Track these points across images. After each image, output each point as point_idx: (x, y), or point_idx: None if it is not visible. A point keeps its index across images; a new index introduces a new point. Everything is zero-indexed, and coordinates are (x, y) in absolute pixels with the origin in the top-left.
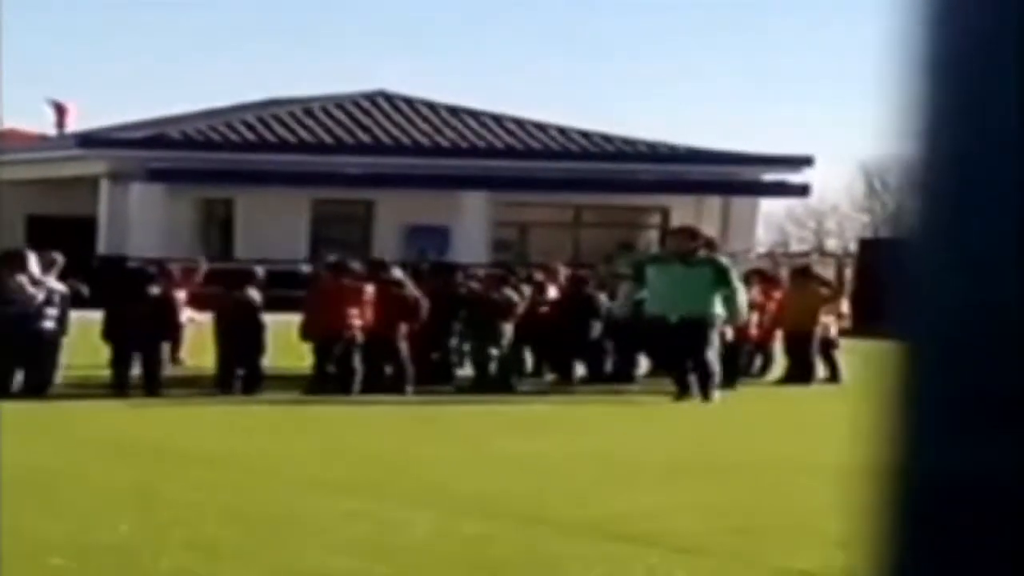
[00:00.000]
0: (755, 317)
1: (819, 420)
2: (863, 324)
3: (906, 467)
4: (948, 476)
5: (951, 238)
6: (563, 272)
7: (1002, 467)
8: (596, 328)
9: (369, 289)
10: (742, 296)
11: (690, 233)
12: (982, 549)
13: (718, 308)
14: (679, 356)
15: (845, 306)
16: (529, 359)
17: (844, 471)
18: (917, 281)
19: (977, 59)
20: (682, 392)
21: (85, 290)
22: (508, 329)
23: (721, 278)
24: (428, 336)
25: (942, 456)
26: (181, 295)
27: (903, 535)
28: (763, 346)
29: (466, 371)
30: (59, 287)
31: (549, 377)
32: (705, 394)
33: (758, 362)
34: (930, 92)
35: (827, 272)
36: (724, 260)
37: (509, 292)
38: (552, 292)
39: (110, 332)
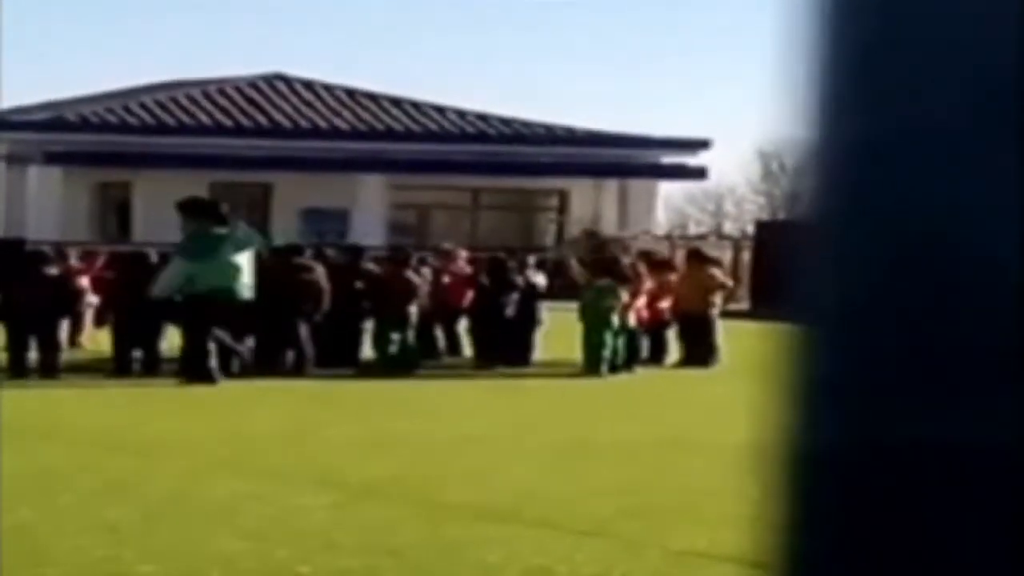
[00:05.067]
0: (642, 300)
1: (714, 401)
2: (761, 306)
3: (797, 446)
4: (839, 454)
5: (849, 222)
6: (463, 256)
7: (893, 445)
8: (511, 310)
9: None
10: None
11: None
12: (872, 525)
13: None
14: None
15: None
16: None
17: (739, 451)
18: (814, 264)
19: (878, 43)
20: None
21: None
22: (412, 312)
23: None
24: (331, 319)
25: (833, 435)
26: (84, 280)
27: (794, 511)
28: (656, 330)
29: (367, 353)
30: None
31: (466, 356)
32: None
33: (653, 346)
34: (830, 77)
35: (725, 255)
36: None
37: (411, 275)
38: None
39: (5, 314)
